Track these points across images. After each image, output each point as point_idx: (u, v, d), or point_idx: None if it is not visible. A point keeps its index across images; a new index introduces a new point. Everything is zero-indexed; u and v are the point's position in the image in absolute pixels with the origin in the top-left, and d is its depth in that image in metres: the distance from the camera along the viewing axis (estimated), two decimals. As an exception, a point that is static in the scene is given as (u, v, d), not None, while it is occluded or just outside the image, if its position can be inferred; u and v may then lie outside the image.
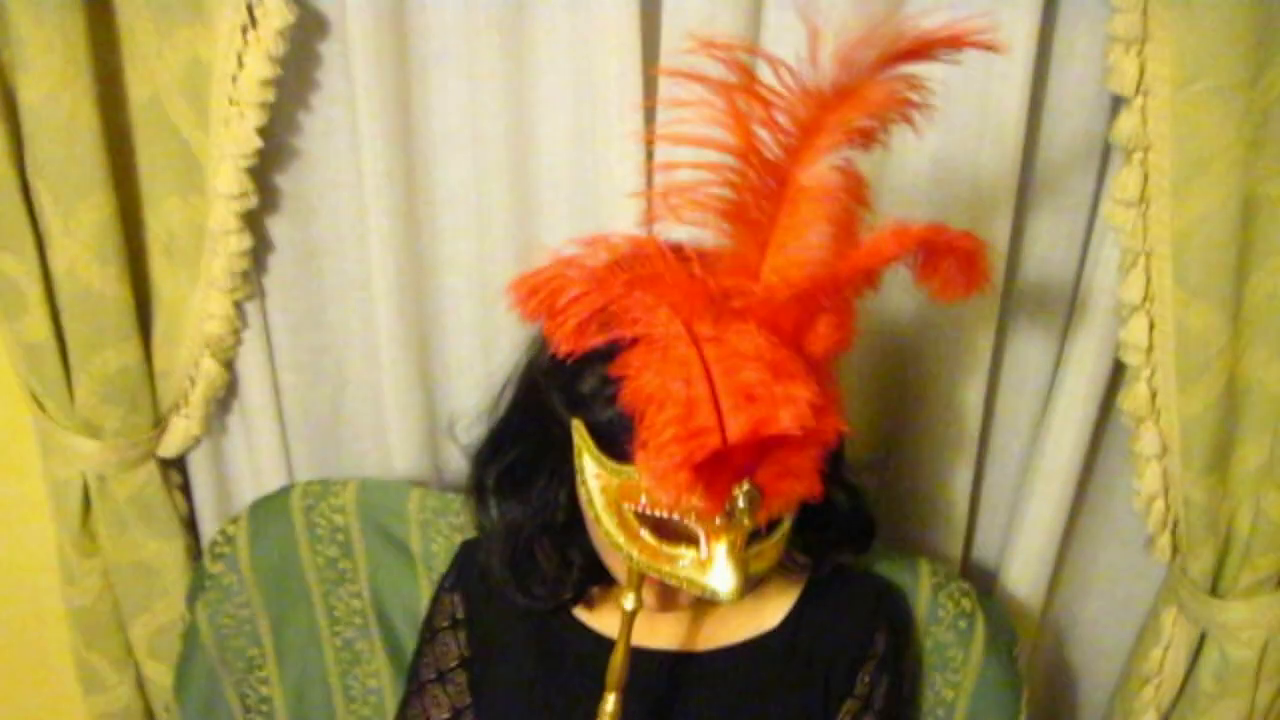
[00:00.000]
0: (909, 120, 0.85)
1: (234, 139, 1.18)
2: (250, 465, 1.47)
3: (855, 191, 0.87)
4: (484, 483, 1.08)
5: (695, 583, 0.92)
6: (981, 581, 1.44)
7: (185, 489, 1.49)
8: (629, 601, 0.97)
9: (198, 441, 1.42)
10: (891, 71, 0.82)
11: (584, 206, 1.31)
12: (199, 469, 1.47)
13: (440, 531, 1.31)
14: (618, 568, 1.02)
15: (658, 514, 0.91)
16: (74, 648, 1.52)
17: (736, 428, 0.82)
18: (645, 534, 0.92)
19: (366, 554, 1.33)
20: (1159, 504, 1.28)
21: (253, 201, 1.23)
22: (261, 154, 1.20)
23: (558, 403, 0.96)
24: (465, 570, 1.19)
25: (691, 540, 0.92)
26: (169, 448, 1.40)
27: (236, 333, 1.34)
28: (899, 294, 1.29)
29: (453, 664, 1.15)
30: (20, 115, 1.17)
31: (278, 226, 1.32)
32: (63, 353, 1.30)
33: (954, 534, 1.43)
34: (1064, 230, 1.28)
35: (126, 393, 1.33)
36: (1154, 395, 1.21)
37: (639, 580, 0.97)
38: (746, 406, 0.82)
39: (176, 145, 1.21)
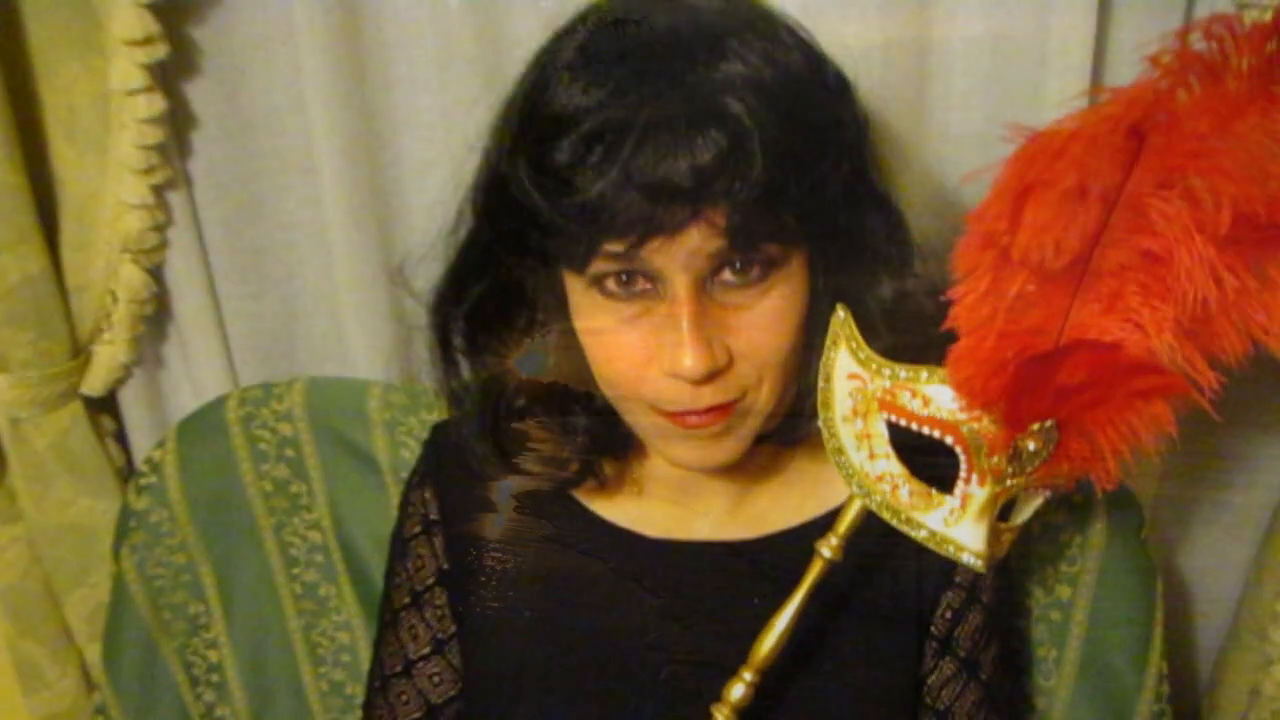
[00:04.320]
0: None
1: (128, -36, 0.97)
2: (194, 401, 1.23)
3: None
4: (449, 333, 0.84)
5: (935, 536, 0.70)
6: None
7: (121, 438, 1.28)
8: (828, 546, 0.73)
9: (127, 373, 1.21)
10: None
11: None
12: (133, 410, 1.25)
13: (410, 433, 1.07)
14: (646, 429, 0.78)
15: (926, 430, 0.69)
16: (6, 637, 1.31)
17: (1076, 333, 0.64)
18: (892, 460, 0.70)
19: (323, 470, 1.09)
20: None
21: (162, 52, 1.02)
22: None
23: (526, 181, 0.70)
24: (436, 458, 0.94)
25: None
26: (94, 382, 1.18)
27: (160, 230, 1.13)
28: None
29: (429, 580, 0.91)
30: None
31: (199, 93, 1.11)
32: (-49, 263, 1.08)
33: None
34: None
35: (33, 311, 1.11)
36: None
37: (854, 522, 0.73)
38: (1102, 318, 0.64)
39: (69, -4, 1.00)
